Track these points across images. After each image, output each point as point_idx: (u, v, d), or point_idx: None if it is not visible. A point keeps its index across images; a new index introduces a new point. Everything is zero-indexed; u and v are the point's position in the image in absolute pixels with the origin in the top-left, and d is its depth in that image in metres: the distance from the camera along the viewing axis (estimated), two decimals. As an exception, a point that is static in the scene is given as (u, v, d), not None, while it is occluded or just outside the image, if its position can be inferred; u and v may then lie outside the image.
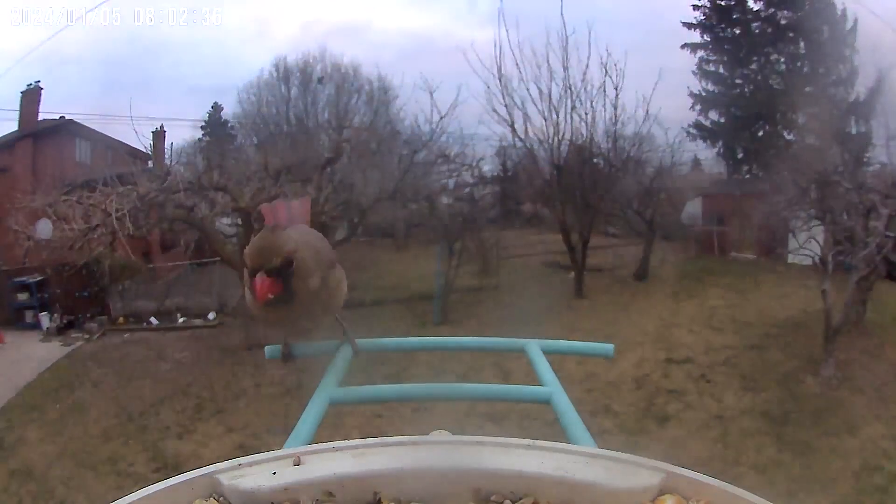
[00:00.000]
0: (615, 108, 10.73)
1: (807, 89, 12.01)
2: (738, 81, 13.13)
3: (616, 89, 10.60)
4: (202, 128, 13.63)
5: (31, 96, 10.56)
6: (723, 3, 12.89)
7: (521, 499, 0.62)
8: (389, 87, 12.31)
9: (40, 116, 10.76)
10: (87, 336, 9.18)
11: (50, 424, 6.79)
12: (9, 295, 9.35)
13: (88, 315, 9.56)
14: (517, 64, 10.73)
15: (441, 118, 10.66)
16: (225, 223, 9.69)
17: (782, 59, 12.75)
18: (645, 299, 10.19)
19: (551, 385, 1.02)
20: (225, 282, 10.04)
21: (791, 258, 10.08)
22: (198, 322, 9.74)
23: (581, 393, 6.83)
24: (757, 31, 12.83)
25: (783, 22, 12.52)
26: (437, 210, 11.12)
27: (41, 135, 10.71)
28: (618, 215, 12.01)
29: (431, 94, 10.63)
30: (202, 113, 13.78)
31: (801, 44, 12.38)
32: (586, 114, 10.78)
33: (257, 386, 7.50)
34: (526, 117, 10.85)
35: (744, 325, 8.70)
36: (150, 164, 9.58)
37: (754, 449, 5.99)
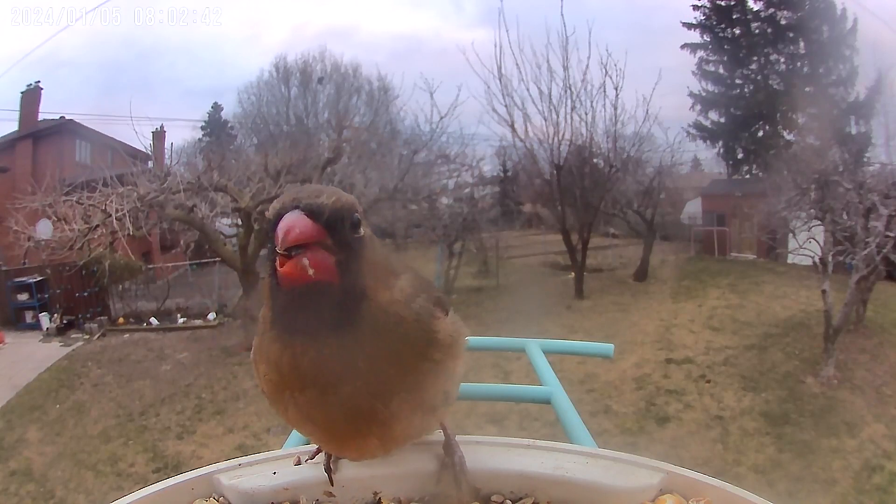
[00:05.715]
0: (615, 108, 10.75)
1: (807, 89, 12.02)
2: (738, 81, 13.14)
3: (616, 89, 10.62)
4: (202, 128, 13.67)
5: (32, 97, 10.58)
6: (723, 4, 12.90)
7: (521, 499, 0.62)
8: (389, 87, 12.34)
9: (40, 117, 10.79)
10: (87, 336, 9.17)
11: (50, 424, 6.78)
12: (9, 295, 9.34)
13: (88, 315, 9.55)
14: (517, 64, 10.75)
15: (441, 118, 10.69)
16: (225, 223, 9.68)
17: (782, 59, 12.76)
18: (645, 299, 10.18)
19: (551, 385, 1.02)
20: (225, 282, 10.04)
21: (791, 258, 10.08)
22: (198, 322, 9.73)
23: (581, 393, 6.83)
24: (757, 31, 12.84)
25: (783, 22, 12.52)
26: (437, 210, 11.12)
27: (41, 135, 10.73)
28: (618, 215, 12.00)
29: (431, 94, 10.66)
30: (202, 113, 13.83)
31: (801, 44, 12.39)
32: (586, 114, 10.80)
33: (257, 386, 7.46)
34: (526, 117, 10.87)
35: (744, 325, 8.69)
36: (150, 164, 9.57)
37: (754, 449, 5.98)
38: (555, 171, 10.90)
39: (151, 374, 8.01)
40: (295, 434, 0.81)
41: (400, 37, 16.06)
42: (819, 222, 8.26)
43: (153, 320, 9.79)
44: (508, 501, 0.62)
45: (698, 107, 13.20)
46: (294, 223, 0.47)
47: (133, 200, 7.76)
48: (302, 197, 0.49)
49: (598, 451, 0.66)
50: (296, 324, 0.51)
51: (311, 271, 0.47)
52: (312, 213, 0.49)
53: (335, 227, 0.49)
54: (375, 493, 0.63)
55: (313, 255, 0.48)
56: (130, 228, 7.67)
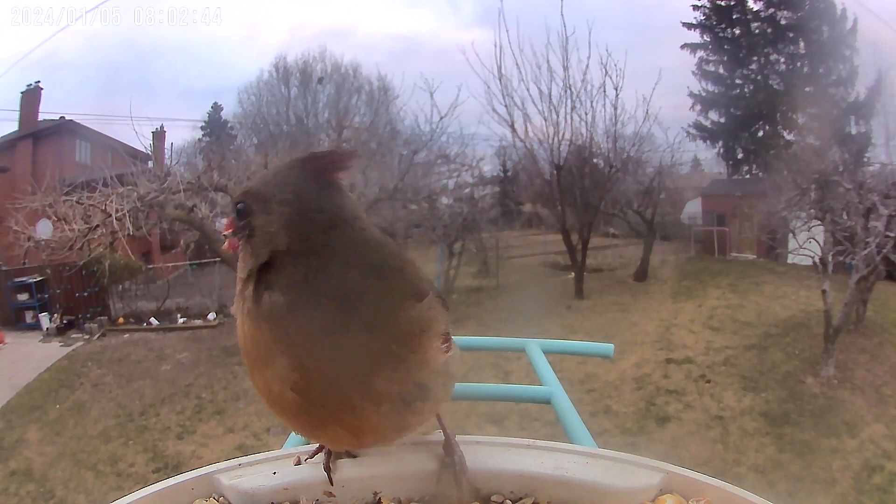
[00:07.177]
0: (615, 108, 10.73)
1: (807, 89, 12.01)
2: (738, 81, 13.12)
3: (616, 89, 10.60)
4: (202, 128, 13.64)
5: (32, 97, 10.56)
6: (723, 3, 12.89)
7: (521, 499, 0.62)
8: (389, 87, 12.33)
9: (40, 117, 10.77)
10: (87, 336, 9.16)
11: (50, 424, 6.78)
12: (9, 295, 9.33)
13: (88, 315, 9.54)
14: (517, 64, 10.74)
15: (441, 118, 10.68)
16: (225, 223, 9.64)
17: (782, 59, 12.74)
18: (645, 300, 10.18)
19: (551, 385, 1.02)
20: (225, 282, 10.03)
21: (791, 258, 10.07)
22: (198, 322, 9.73)
23: (581, 393, 6.83)
24: (757, 31, 12.82)
25: (783, 22, 12.51)
26: (437, 210, 11.12)
27: (41, 135, 10.71)
28: (618, 215, 12.00)
29: (431, 94, 10.65)
30: (202, 113, 13.81)
31: (801, 44, 12.37)
32: (586, 114, 10.78)
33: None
34: (526, 117, 10.85)
35: (744, 325, 8.69)
36: (150, 164, 9.57)
37: (754, 449, 5.98)
38: (555, 171, 10.89)
39: (151, 374, 8.01)
40: (295, 434, 0.81)
41: (398, 37, 16.07)
42: (819, 222, 8.25)
43: (153, 320, 9.78)
44: (508, 501, 0.62)
45: (698, 107, 13.17)
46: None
47: (133, 200, 7.76)
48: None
49: (598, 451, 0.66)
50: None
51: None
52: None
53: (233, 215, 0.59)
54: (375, 493, 0.63)
55: (231, 235, 0.59)
56: (130, 228, 7.66)
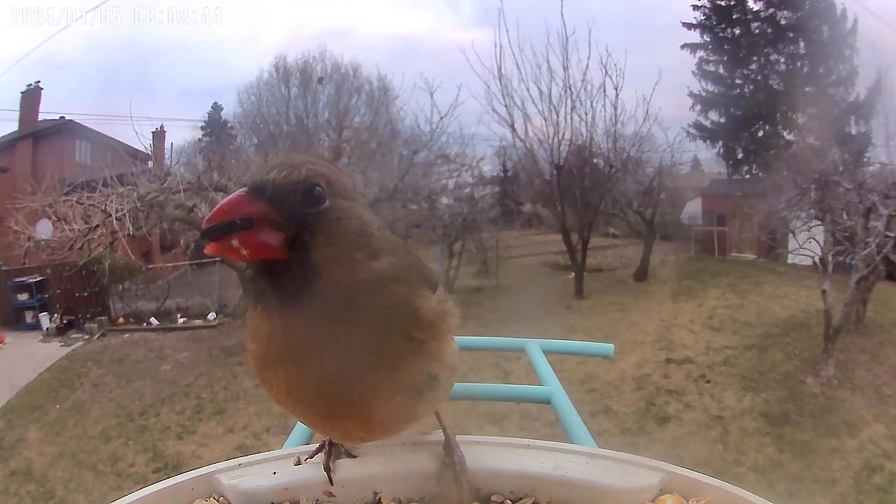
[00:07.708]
0: (615, 108, 10.75)
1: (807, 89, 12.02)
2: (738, 81, 13.14)
3: (616, 89, 10.62)
4: (202, 128, 13.66)
5: (32, 97, 10.57)
6: (723, 4, 12.89)
7: (521, 499, 0.62)
8: (389, 87, 12.33)
9: (40, 117, 10.79)
10: (87, 336, 9.16)
11: (50, 424, 6.78)
12: (9, 295, 9.33)
13: (88, 315, 9.54)
14: (517, 64, 10.76)
15: (441, 118, 10.69)
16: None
17: (782, 59, 12.76)
18: (645, 300, 10.18)
19: (551, 385, 1.02)
20: (225, 282, 10.05)
21: (791, 258, 10.08)
22: (198, 322, 9.73)
23: (581, 393, 6.83)
24: (757, 31, 12.84)
25: (783, 22, 12.52)
26: (437, 210, 11.12)
27: (41, 135, 10.72)
28: (618, 215, 12.01)
29: (431, 94, 10.66)
30: (202, 113, 13.83)
31: (801, 44, 12.38)
32: (586, 114, 10.80)
33: (257, 386, 7.45)
34: (526, 117, 10.88)
35: (744, 325, 8.69)
36: (150, 164, 9.56)
37: (754, 449, 5.98)
38: (555, 171, 10.90)
39: (151, 374, 8.01)
40: (295, 434, 0.81)
41: (398, 37, 16.17)
42: (819, 222, 8.26)
43: (153, 320, 9.78)
44: (508, 501, 0.62)
45: (698, 107, 13.21)
46: (223, 203, 0.47)
47: (133, 200, 7.75)
48: (255, 174, 0.50)
49: (598, 451, 0.66)
50: (264, 298, 0.51)
51: (244, 251, 0.47)
52: (256, 190, 0.48)
53: (283, 202, 0.48)
54: (375, 493, 0.63)
55: (249, 234, 0.47)
56: (130, 228, 7.66)
